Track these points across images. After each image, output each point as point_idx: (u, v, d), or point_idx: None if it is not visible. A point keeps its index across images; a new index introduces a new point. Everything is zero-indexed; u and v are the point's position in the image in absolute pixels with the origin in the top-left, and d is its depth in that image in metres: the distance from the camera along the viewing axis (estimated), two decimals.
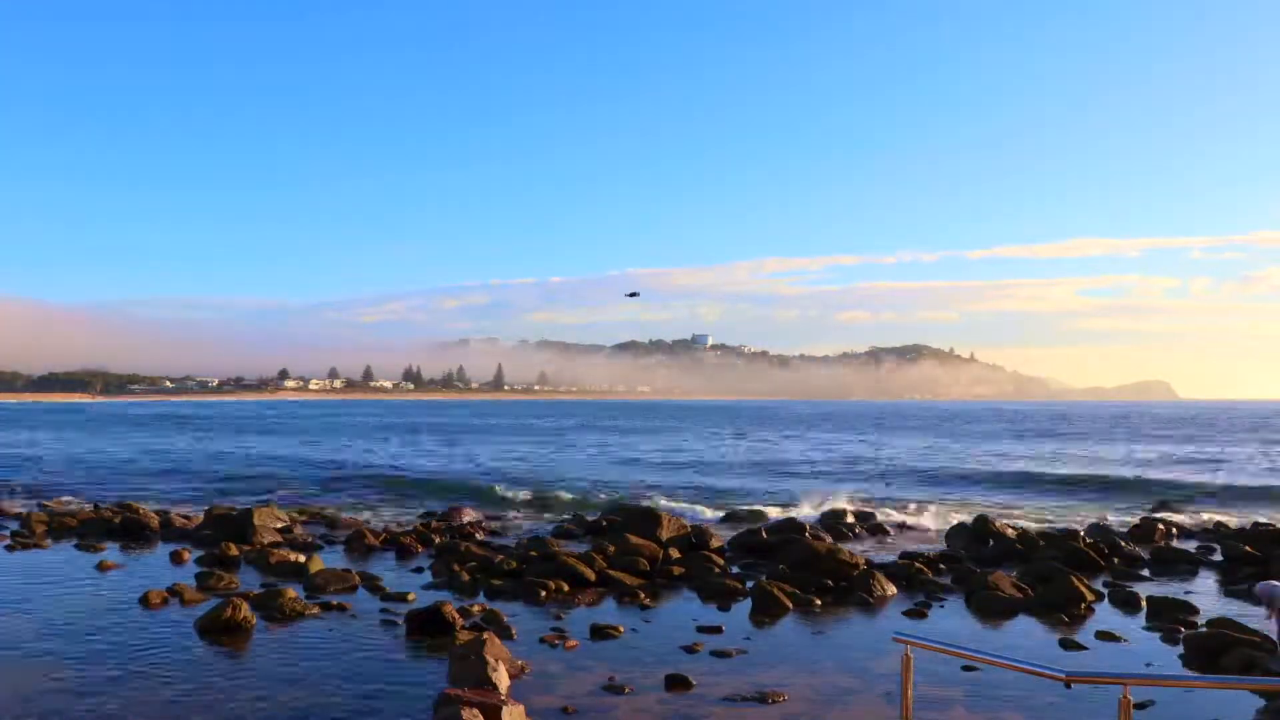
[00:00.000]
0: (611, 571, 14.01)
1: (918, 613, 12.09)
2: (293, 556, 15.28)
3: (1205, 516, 22.42)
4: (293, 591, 12.15)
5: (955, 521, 19.90)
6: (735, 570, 14.99)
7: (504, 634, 10.35)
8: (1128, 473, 35.78)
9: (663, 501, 24.76)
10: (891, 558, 15.85)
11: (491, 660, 8.14)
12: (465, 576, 13.87)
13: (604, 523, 19.77)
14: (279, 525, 19.38)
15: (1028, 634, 11.22)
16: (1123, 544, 16.81)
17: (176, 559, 16.01)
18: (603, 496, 27.12)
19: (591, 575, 13.74)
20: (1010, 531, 17.96)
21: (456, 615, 10.77)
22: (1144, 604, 12.26)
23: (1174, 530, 19.72)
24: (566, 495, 27.33)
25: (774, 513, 22.84)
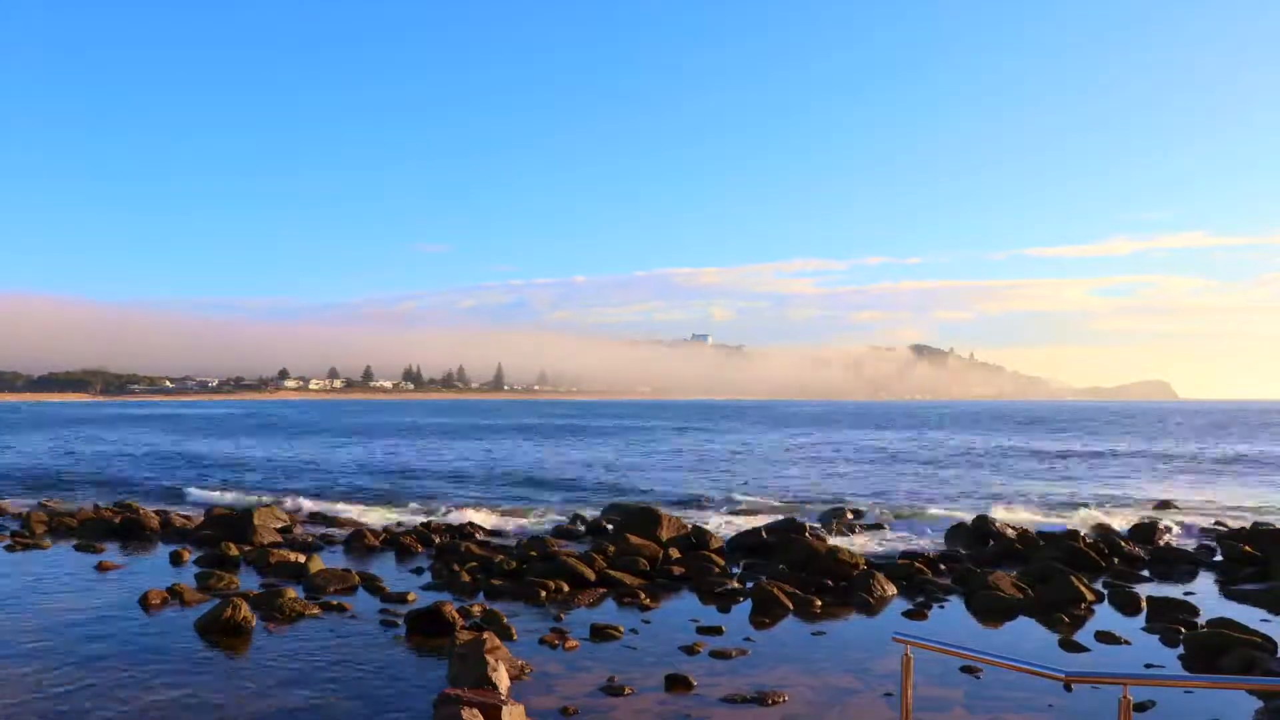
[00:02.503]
0: (611, 571, 14.01)
1: (918, 613, 12.09)
2: (293, 556, 15.28)
3: (1205, 516, 22.42)
4: (293, 591, 12.16)
5: (955, 522, 19.90)
6: (735, 570, 14.99)
7: (504, 634, 10.35)
8: (1127, 472, 35.79)
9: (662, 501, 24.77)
10: (891, 558, 15.86)
11: (491, 660, 8.14)
12: (465, 576, 13.88)
13: (604, 523, 19.78)
14: (279, 525, 19.40)
15: (1028, 634, 11.22)
16: (1123, 544, 16.81)
17: (176, 559, 16.02)
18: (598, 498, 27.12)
19: (591, 575, 13.74)
20: (1010, 531, 17.96)
21: (456, 615, 10.78)
22: (1144, 604, 12.26)
23: (1174, 530, 19.72)
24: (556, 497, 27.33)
25: (774, 513, 22.84)
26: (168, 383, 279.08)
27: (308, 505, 24.39)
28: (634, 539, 15.92)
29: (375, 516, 22.93)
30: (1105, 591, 13.22)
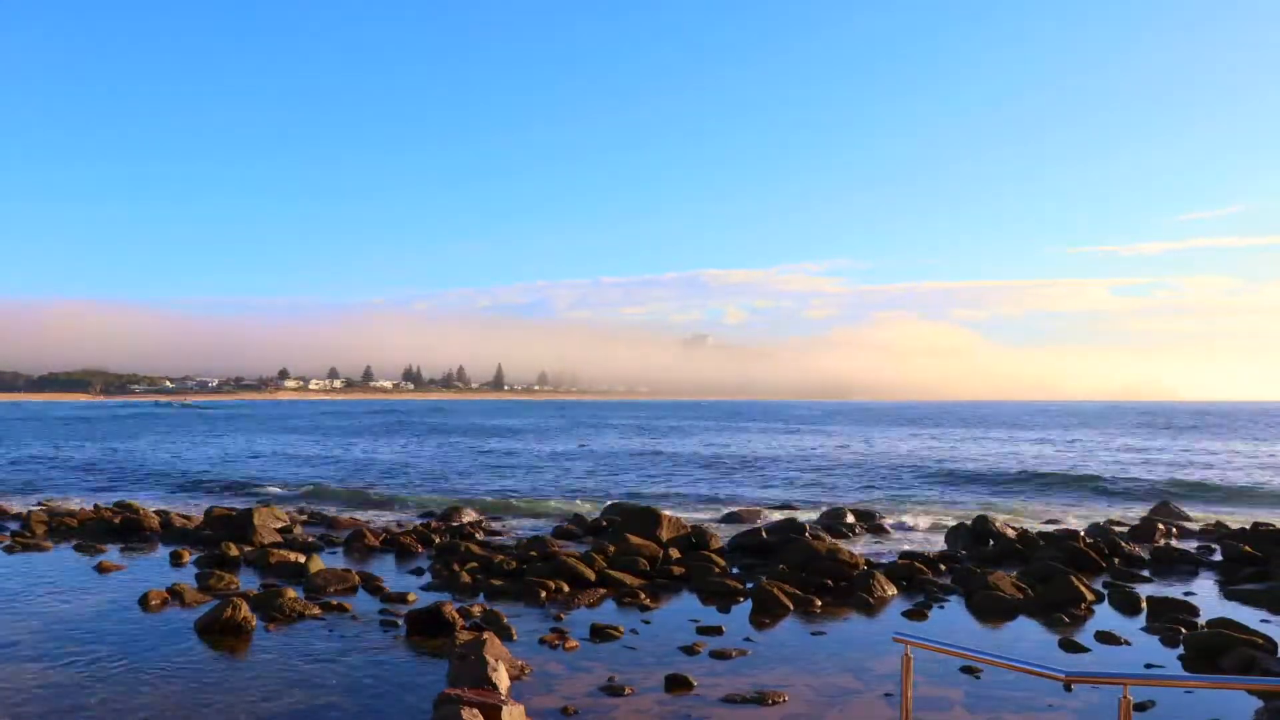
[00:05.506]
0: (611, 571, 14.01)
1: (918, 613, 12.09)
2: (293, 556, 15.29)
3: (1205, 516, 22.45)
4: (293, 592, 12.16)
5: (955, 522, 19.90)
6: (735, 570, 14.99)
7: (504, 634, 10.35)
8: (1128, 472, 35.79)
9: (663, 501, 24.80)
10: (891, 558, 15.86)
11: (491, 660, 8.14)
12: (465, 577, 13.87)
13: (604, 523, 19.78)
14: (279, 525, 19.40)
15: (1028, 634, 11.22)
16: (1123, 544, 16.81)
17: (176, 559, 16.02)
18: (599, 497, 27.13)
19: (591, 575, 13.74)
20: (1010, 531, 17.97)
21: (456, 615, 10.77)
22: (1144, 604, 12.26)
23: (1174, 530, 19.73)
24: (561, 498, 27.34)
25: (774, 513, 22.88)
26: (168, 383, 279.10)
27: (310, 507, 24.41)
28: (634, 539, 15.92)
29: (375, 516, 22.95)
30: (1105, 591, 13.22)
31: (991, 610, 12.20)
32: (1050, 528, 19.98)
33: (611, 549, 15.35)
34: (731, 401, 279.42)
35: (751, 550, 16.68)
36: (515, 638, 10.46)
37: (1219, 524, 20.79)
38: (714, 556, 15.61)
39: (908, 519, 22.17)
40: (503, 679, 8.02)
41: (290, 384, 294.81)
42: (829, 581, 13.39)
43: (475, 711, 6.84)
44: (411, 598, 12.70)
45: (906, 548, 17.50)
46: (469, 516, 21.92)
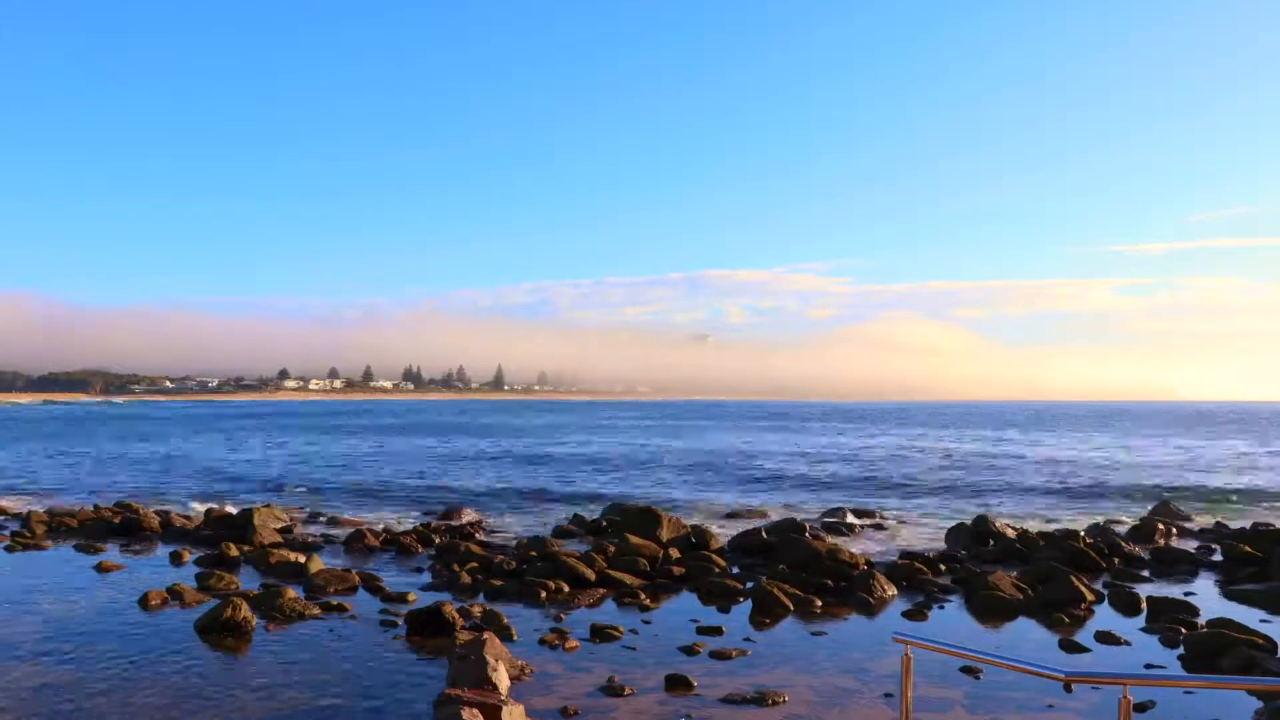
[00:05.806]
0: (611, 572, 14.01)
1: (918, 613, 12.09)
2: (293, 556, 15.29)
3: (1205, 516, 22.46)
4: (293, 591, 12.16)
5: (955, 522, 19.90)
6: (735, 570, 14.99)
7: (504, 634, 10.36)
8: (1129, 472, 35.79)
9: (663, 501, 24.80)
10: (891, 558, 15.87)
11: (491, 660, 8.14)
12: (465, 577, 13.88)
13: (604, 523, 19.78)
14: (279, 525, 19.41)
15: (1028, 634, 11.23)
16: (1123, 544, 16.81)
17: (176, 559, 16.03)
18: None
19: (591, 575, 13.74)
20: (1010, 531, 17.97)
21: (456, 615, 10.78)
22: (1144, 604, 12.26)
23: (1174, 530, 19.73)
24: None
25: (774, 513, 22.89)
26: (168, 383, 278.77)
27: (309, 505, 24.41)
28: (634, 539, 15.93)
29: (375, 517, 22.95)
30: (1105, 591, 13.22)
31: (991, 610, 12.21)
32: (1050, 528, 19.98)
33: (611, 549, 15.35)
34: (733, 401, 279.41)
35: (751, 550, 16.69)
36: (515, 638, 10.46)
37: (1219, 524, 20.80)
38: (714, 556, 15.61)
39: (908, 519, 22.17)
40: (503, 679, 8.02)
41: (290, 384, 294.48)
42: (829, 581, 13.39)
43: (475, 711, 6.84)
44: (411, 598, 12.70)
45: (906, 548, 17.50)
46: (469, 516, 21.93)
